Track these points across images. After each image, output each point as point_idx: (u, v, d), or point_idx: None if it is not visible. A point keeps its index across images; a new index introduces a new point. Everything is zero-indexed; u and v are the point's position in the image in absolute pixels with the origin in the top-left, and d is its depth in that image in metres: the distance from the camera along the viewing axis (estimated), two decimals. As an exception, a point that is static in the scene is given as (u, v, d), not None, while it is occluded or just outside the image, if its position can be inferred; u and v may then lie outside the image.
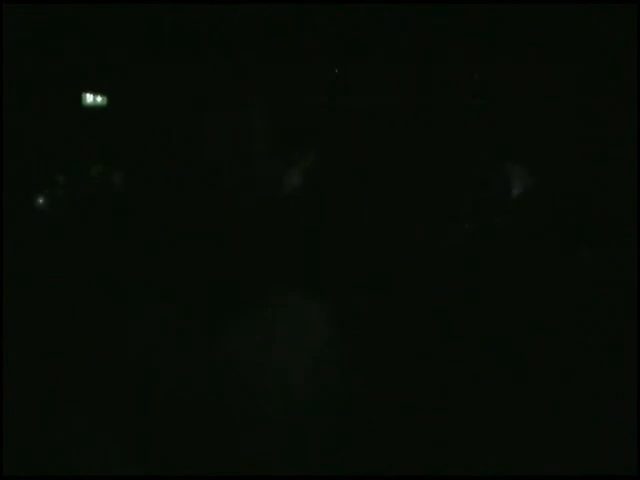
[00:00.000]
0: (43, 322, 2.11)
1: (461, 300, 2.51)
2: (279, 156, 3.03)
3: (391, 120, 3.11)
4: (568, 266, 2.45)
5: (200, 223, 2.19)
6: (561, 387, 2.22)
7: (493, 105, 3.04)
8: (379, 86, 3.11)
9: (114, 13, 2.81)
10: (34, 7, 2.61)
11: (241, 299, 1.74)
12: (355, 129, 3.12)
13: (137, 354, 1.82)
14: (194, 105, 3.03)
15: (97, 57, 2.92)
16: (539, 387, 2.24)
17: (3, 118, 2.41)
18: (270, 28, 2.96)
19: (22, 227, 2.45)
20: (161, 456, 1.71)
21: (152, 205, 2.65)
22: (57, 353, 1.99)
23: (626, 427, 2.03)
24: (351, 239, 2.59)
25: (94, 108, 3.04)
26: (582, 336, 2.27)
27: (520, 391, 2.26)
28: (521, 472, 2.07)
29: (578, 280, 2.41)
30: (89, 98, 3.04)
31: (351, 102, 3.13)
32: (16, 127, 2.58)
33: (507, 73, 3.02)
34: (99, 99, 3.06)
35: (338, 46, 3.04)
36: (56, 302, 2.15)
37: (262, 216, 2.18)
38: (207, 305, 1.86)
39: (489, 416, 2.25)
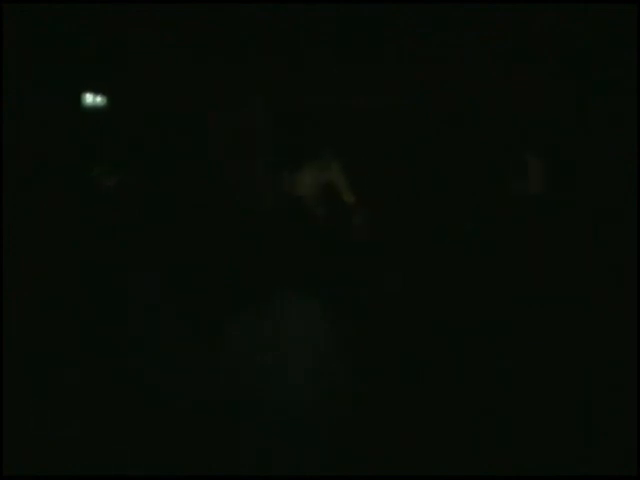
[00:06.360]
0: (43, 322, 2.11)
1: (461, 300, 2.51)
2: (281, 156, 3.03)
3: (392, 120, 3.11)
4: (567, 265, 2.45)
5: (201, 223, 2.19)
6: (561, 387, 2.22)
7: (493, 105, 3.04)
8: (380, 86, 3.11)
9: (114, 13, 2.81)
10: (34, 7, 2.61)
11: (243, 299, 1.74)
12: (356, 129, 3.12)
13: (139, 354, 1.82)
14: (195, 105, 3.04)
15: (97, 56, 2.91)
16: (540, 387, 2.24)
17: (3, 118, 2.41)
18: (271, 28, 2.96)
19: (22, 227, 2.44)
20: (162, 456, 1.71)
21: (153, 205, 2.65)
22: (58, 353, 1.98)
23: (626, 427, 2.03)
24: (352, 239, 2.59)
25: (94, 108, 3.04)
26: (582, 334, 2.27)
27: (520, 392, 2.26)
28: (521, 472, 2.07)
29: (577, 279, 2.41)
30: (89, 98, 3.04)
31: (352, 102, 3.12)
32: (16, 127, 2.57)
33: (507, 73, 3.02)
34: (99, 99, 3.05)
35: (338, 46, 3.03)
36: (57, 302, 2.15)
37: (263, 216, 2.18)
38: (209, 305, 1.86)
39: (489, 415, 2.25)
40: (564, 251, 2.38)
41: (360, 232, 2.64)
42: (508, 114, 3.01)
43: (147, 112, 3.02)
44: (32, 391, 1.96)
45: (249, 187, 2.97)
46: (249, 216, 2.11)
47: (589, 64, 2.93)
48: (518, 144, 2.93)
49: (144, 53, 2.98)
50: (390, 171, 3.09)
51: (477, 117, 3.04)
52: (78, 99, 2.99)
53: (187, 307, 1.87)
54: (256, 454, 1.57)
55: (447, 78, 3.04)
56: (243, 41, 3.01)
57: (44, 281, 2.33)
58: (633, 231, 2.43)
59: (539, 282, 2.36)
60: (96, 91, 3.03)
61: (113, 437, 1.82)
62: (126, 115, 3.03)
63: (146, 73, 3.01)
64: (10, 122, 2.48)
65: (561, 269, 2.36)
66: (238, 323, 1.66)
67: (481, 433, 2.22)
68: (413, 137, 3.11)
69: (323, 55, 3.04)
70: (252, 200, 2.87)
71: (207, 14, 2.89)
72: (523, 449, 2.14)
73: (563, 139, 2.94)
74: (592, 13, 2.80)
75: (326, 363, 1.63)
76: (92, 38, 2.86)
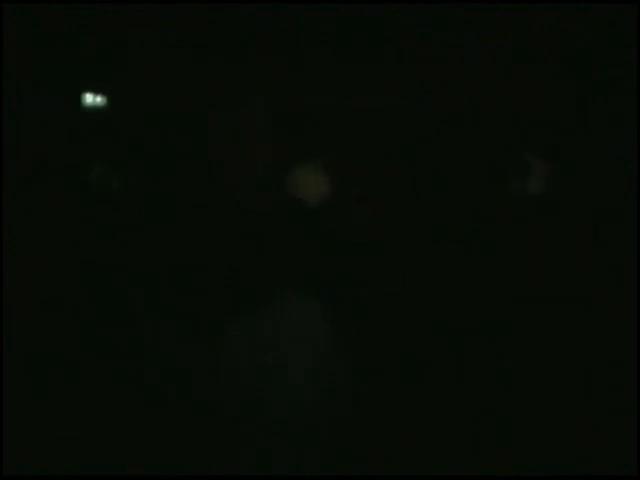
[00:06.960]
0: (43, 322, 2.11)
1: (461, 300, 2.51)
2: (281, 156, 3.03)
3: (392, 120, 3.11)
4: (567, 265, 2.45)
5: (201, 223, 2.19)
6: (562, 387, 2.22)
7: (493, 105, 3.04)
8: (380, 86, 3.11)
9: (114, 13, 2.81)
10: (34, 7, 2.61)
11: (243, 299, 1.74)
12: (356, 129, 3.12)
13: (138, 354, 1.82)
14: (195, 105, 3.04)
15: (97, 56, 2.91)
16: (540, 388, 2.24)
17: (3, 118, 2.41)
18: (271, 28, 2.96)
19: (22, 227, 2.44)
20: (162, 456, 1.71)
21: (152, 205, 2.65)
22: (58, 353, 1.98)
23: (626, 427, 2.03)
24: (352, 239, 2.59)
25: (94, 108, 3.04)
26: (582, 334, 2.27)
27: (521, 392, 2.26)
28: (521, 472, 2.07)
29: (577, 279, 2.41)
30: (89, 98, 3.04)
31: (352, 102, 3.12)
32: (16, 127, 2.58)
33: (507, 73, 3.02)
34: (99, 99, 3.05)
35: (338, 46, 3.03)
36: (57, 302, 2.15)
37: (263, 216, 2.18)
38: (209, 305, 1.86)
39: (489, 415, 2.25)
40: (564, 251, 2.38)
41: (360, 232, 2.64)
42: (508, 114, 3.01)
43: (147, 112, 3.02)
44: (32, 391, 1.96)
45: (249, 187, 2.97)
46: (249, 216, 2.11)
47: (589, 64, 2.93)
48: (518, 144, 2.93)
49: (144, 53, 2.98)
50: (390, 171, 3.09)
51: (477, 117, 3.04)
52: (78, 99, 2.99)
53: (187, 307, 1.87)
54: (256, 454, 1.57)
55: (447, 78, 3.05)
56: (243, 41, 3.01)
57: (44, 281, 2.33)
58: (633, 231, 2.43)
59: (539, 282, 2.36)
60: (96, 91, 3.03)
61: (113, 437, 1.82)
62: (126, 115, 3.03)
63: (146, 73, 3.01)
64: (10, 122, 2.48)
65: (561, 269, 2.36)
66: (238, 323, 1.66)
67: (481, 433, 2.22)
68: (413, 137, 3.11)
69: (323, 55, 3.04)
70: (252, 200, 2.87)
71: (207, 14, 2.89)
72: (523, 449, 2.14)
73: (563, 139, 2.94)
74: (592, 13, 2.80)
75: (326, 363, 1.63)
76: (92, 38, 2.86)
